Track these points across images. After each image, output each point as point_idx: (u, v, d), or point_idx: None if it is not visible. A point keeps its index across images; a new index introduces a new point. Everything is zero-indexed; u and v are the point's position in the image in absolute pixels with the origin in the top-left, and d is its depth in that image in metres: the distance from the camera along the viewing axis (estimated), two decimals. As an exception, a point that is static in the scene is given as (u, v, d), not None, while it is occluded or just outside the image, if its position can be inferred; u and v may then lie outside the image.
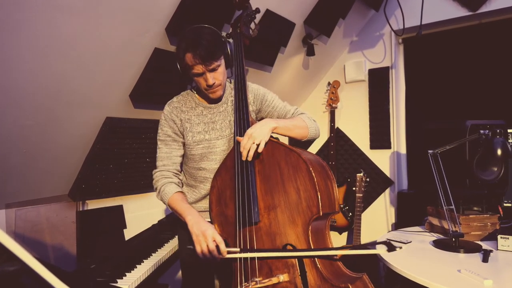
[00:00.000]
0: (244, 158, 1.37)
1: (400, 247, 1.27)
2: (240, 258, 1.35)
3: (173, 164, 1.57)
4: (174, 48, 1.93)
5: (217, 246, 1.33)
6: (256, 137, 1.37)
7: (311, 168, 1.31)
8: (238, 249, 1.34)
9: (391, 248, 1.24)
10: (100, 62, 1.67)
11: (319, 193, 1.28)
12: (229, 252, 1.34)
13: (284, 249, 1.32)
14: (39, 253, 1.81)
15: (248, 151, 1.36)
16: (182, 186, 1.63)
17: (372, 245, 1.28)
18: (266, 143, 1.40)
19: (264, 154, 1.41)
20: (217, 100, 1.58)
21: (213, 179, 1.51)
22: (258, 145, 1.37)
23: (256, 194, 1.36)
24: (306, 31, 2.84)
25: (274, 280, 1.29)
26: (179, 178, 1.59)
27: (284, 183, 1.34)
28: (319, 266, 1.26)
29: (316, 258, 1.27)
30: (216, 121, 1.57)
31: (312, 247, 1.28)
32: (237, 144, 1.44)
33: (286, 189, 1.34)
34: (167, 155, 1.56)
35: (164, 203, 1.53)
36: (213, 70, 1.42)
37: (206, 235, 1.34)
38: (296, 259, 1.29)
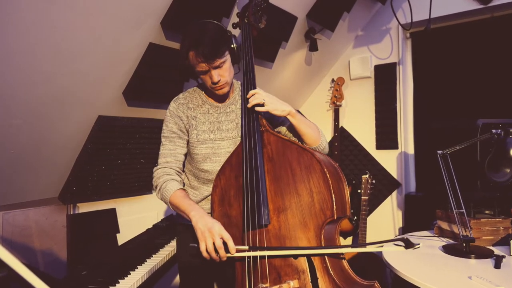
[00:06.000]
0: (248, 96, 1.48)
1: (418, 244, 1.17)
2: (244, 262, 1.33)
3: (177, 161, 1.55)
4: (170, 43, 1.95)
5: (225, 244, 1.29)
6: (268, 102, 1.45)
7: (325, 169, 1.29)
8: (246, 247, 1.30)
9: (408, 245, 1.15)
10: (92, 58, 1.67)
11: (333, 195, 1.27)
12: (237, 251, 1.29)
13: (296, 246, 1.29)
14: (27, 259, 1.81)
15: (253, 102, 1.45)
16: (184, 187, 1.62)
17: (389, 241, 1.30)
18: (277, 141, 1.40)
19: (274, 152, 1.40)
20: (225, 99, 1.60)
21: (216, 177, 1.49)
22: (261, 105, 1.44)
23: (266, 195, 1.34)
24: (308, 25, 2.85)
25: (284, 286, 1.26)
26: (181, 177, 1.57)
27: (296, 184, 1.33)
28: (332, 273, 1.25)
29: (328, 264, 1.26)
30: (222, 122, 1.58)
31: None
32: (244, 141, 1.43)
33: (298, 190, 1.32)
34: (171, 152, 1.55)
35: (165, 202, 1.50)
36: (218, 67, 1.43)
37: (212, 231, 1.30)
38: (307, 265, 1.27)
